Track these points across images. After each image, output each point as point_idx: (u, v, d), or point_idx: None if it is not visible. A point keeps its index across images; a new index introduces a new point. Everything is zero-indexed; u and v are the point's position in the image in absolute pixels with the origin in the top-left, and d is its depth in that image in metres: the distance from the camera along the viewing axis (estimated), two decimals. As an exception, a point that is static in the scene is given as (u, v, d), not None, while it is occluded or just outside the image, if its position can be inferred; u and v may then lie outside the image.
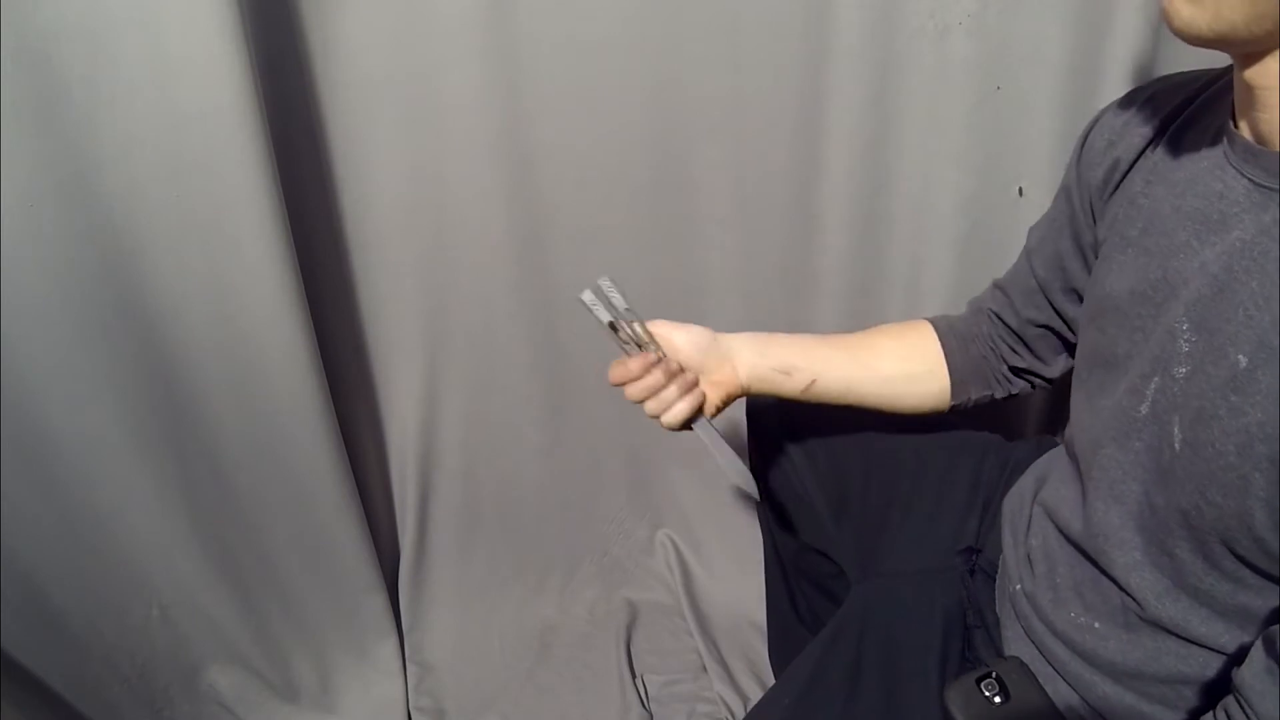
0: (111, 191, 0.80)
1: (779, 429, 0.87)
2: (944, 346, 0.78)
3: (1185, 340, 0.52)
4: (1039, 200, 1.03)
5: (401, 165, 0.95)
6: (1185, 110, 0.59)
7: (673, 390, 0.68)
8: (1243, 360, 0.48)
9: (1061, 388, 0.80)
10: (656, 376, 0.68)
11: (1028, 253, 0.74)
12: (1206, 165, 0.54)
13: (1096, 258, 0.65)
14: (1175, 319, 0.53)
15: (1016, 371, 0.78)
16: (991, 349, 0.78)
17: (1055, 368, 0.76)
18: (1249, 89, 0.49)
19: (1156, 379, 0.54)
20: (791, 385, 0.75)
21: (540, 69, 0.92)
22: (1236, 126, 0.52)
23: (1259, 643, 0.48)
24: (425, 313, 1.05)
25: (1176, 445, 0.52)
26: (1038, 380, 0.78)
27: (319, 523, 1.03)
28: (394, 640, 1.17)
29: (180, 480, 0.95)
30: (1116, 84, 0.95)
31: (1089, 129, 0.67)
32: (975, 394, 0.78)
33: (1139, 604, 0.56)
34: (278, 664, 1.10)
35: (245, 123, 0.79)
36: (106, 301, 0.84)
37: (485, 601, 1.23)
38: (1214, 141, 0.54)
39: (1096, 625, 0.59)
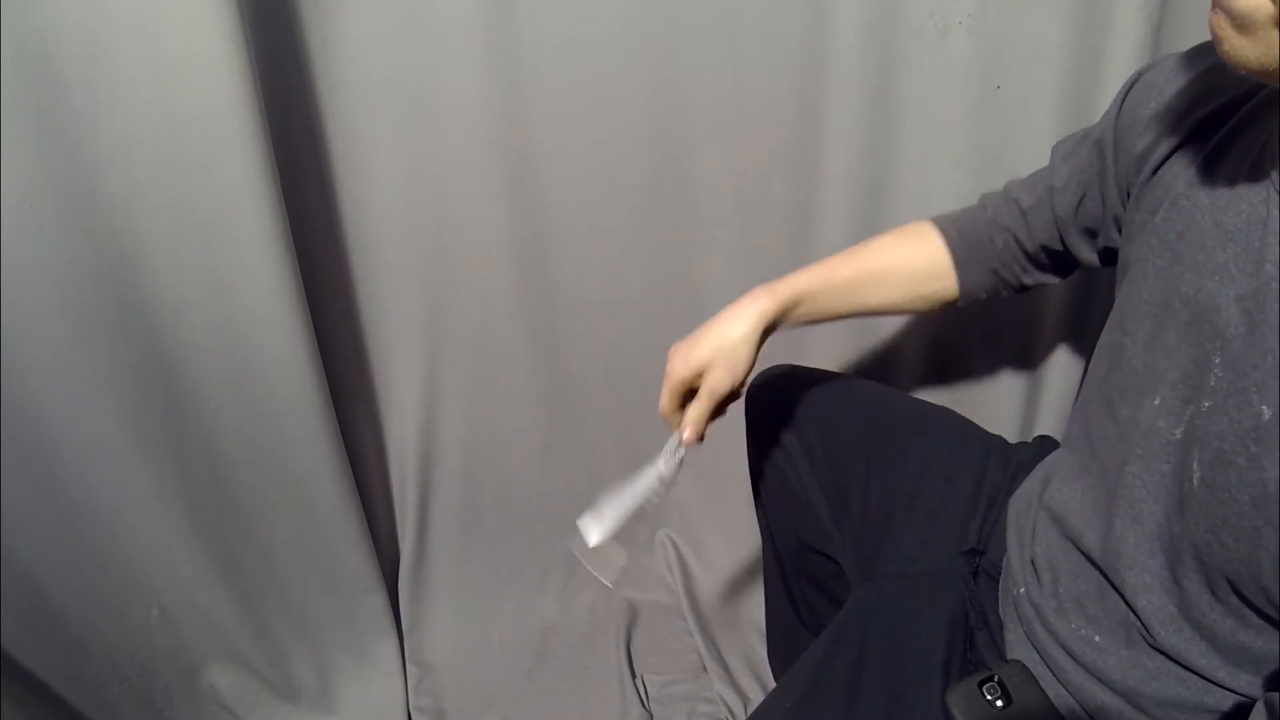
0: (111, 191, 0.80)
1: (778, 427, 0.87)
2: (944, 235, 0.78)
3: (1214, 374, 0.50)
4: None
5: (401, 165, 0.95)
6: (1236, 112, 0.56)
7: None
8: (1266, 412, 0.47)
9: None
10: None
11: (1050, 190, 0.70)
12: (1251, 184, 0.51)
13: (1120, 232, 0.63)
14: (1210, 349, 0.51)
15: (1034, 263, 0.76)
16: (1001, 264, 0.76)
17: (1080, 260, 0.73)
18: None
19: (1192, 407, 0.52)
20: (799, 313, 0.79)
21: (540, 69, 0.92)
22: None
23: (1260, 706, 0.47)
24: (425, 313, 1.05)
25: (1194, 481, 0.51)
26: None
27: (319, 523, 1.03)
28: (394, 640, 1.17)
29: (180, 480, 0.95)
30: (1116, 84, 0.95)
31: (1130, 85, 0.63)
32: (983, 277, 0.78)
33: (1145, 627, 0.55)
34: (278, 664, 1.09)
35: (245, 123, 0.79)
36: (106, 301, 0.84)
37: (485, 601, 1.23)
38: (1261, 159, 0.51)
39: (1097, 639, 0.59)
